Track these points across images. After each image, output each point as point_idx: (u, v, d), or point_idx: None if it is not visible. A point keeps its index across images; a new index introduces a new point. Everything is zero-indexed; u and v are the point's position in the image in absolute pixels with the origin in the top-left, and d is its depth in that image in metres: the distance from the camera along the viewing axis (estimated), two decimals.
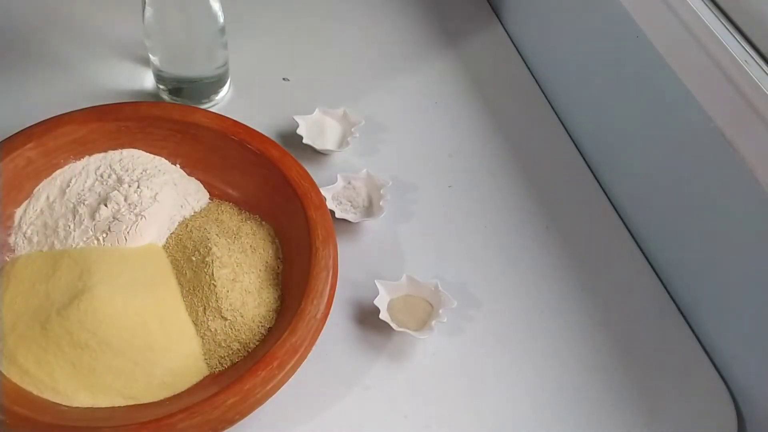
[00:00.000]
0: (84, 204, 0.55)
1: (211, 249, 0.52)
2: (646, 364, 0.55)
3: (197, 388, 0.48)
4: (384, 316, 0.53)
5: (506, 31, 0.83)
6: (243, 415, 0.45)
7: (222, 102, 0.69)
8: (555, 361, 0.55)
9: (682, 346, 0.57)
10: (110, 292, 0.48)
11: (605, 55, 0.67)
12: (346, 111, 0.68)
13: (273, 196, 0.57)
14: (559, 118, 0.74)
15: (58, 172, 0.58)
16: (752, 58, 0.48)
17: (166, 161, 0.60)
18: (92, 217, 0.54)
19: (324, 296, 0.50)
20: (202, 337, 0.50)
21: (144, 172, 0.57)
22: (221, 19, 0.64)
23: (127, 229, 0.53)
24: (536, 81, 0.77)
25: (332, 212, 0.59)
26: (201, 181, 0.60)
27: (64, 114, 0.58)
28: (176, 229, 0.56)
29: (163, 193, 0.56)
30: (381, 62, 0.77)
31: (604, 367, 0.55)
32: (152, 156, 0.60)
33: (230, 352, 0.50)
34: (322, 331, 0.49)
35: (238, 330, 0.50)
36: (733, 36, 0.49)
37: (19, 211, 0.55)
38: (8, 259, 0.53)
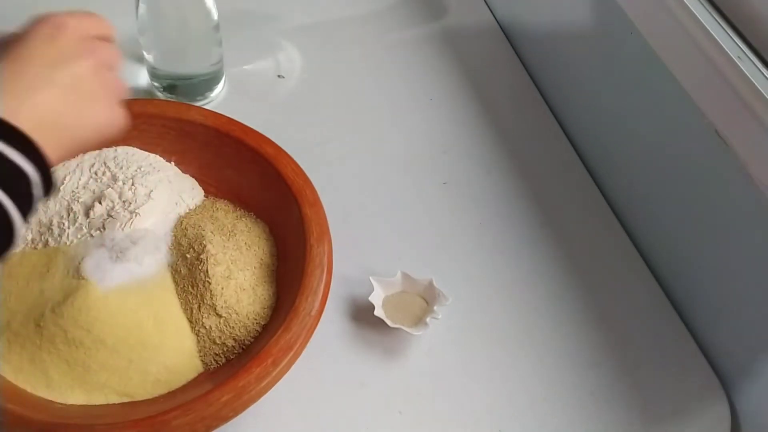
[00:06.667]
0: (78, 201, 0.55)
1: (205, 246, 0.52)
2: (639, 359, 0.56)
3: (192, 386, 0.48)
4: (379, 312, 0.53)
5: (500, 26, 0.82)
6: (237, 412, 0.45)
7: (217, 99, 0.69)
8: (549, 356, 0.55)
9: (675, 340, 0.58)
10: (104, 290, 0.48)
11: (599, 50, 0.67)
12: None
13: (268, 193, 0.57)
14: (553, 113, 0.74)
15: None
16: (745, 54, 0.48)
17: (161, 159, 0.60)
18: (86, 215, 0.54)
19: (318, 293, 0.50)
20: (196, 334, 0.50)
21: (138, 170, 0.57)
22: (215, 16, 0.64)
23: (122, 227, 0.53)
24: (530, 77, 0.77)
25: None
26: (196, 179, 0.60)
27: None
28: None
29: (157, 191, 0.56)
30: (376, 57, 0.77)
31: (598, 361, 0.55)
32: (147, 153, 0.59)
33: (225, 349, 0.50)
34: (317, 328, 0.49)
35: (233, 327, 0.50)
36: (726, 32, 0.49)
37: None
38: None
